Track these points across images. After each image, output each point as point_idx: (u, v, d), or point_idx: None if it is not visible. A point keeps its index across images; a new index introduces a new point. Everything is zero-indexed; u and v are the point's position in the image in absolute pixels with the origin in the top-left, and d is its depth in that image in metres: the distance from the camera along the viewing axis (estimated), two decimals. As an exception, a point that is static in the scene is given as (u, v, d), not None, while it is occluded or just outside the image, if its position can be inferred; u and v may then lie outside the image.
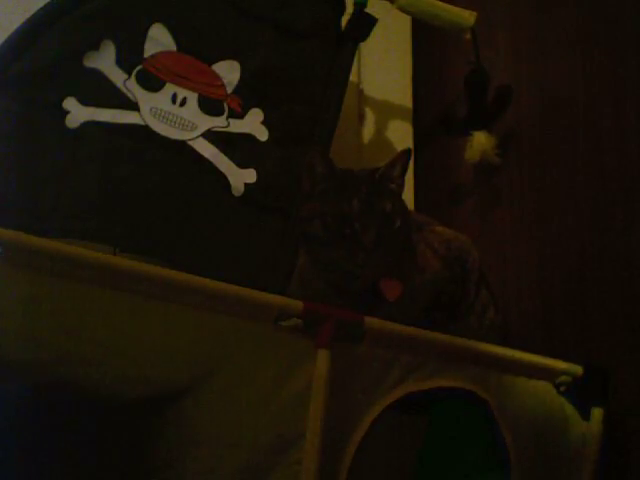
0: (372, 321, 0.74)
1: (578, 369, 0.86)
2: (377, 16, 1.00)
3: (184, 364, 0.67)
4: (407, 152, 0.89)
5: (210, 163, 0.89)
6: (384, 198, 0.83)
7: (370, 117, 1.31)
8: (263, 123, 0.92)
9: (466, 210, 1.28)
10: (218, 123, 0.90)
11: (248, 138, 0.91)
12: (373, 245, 0.80)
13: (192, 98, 0.89)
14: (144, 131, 0.87)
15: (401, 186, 0.89)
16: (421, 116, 1.34)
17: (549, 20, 1.12)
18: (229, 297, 0.68)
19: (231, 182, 0.89)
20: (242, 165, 0.90)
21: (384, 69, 1.32)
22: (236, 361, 0.68)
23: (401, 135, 1.31)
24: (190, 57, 0.90)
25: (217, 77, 0.91)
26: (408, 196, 1.19)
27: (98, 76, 0.86)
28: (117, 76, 0.87)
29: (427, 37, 1.36)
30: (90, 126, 0.85)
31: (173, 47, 0.90)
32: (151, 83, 0.88)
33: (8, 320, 0.61)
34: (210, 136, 0.89)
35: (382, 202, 0.83)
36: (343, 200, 0.82)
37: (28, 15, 0.84)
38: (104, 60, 0.87)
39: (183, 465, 0.67)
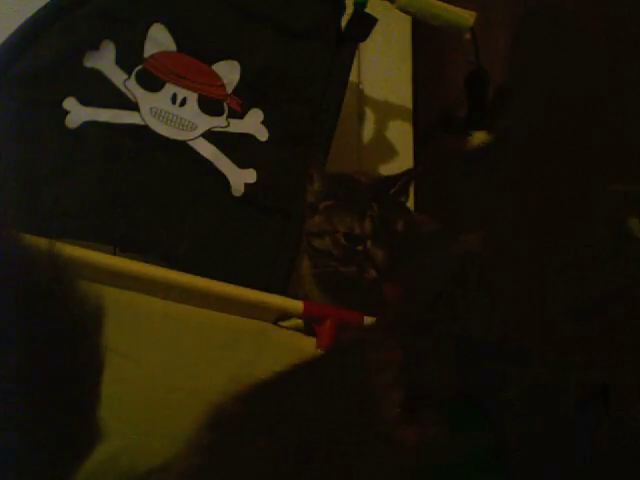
0: (372, 320, 0.75)
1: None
2: (377, 16, 1.00)
3: (184, 364, 0.67)
4: (414, 171, 0.91)
5: (210, 163, 0.89)
6: (396, 216, 0.84)
7: (370, 117, 1.31)
8: (263, 123, 0.92)
9: (466, 210, 1.29)
10: (218, 123, 0.90)
11: (248, 138, 0.91)
12: (384, 265, 0.81)
13: (192, 98, 0.89)
14: (144, 131, 0.87)
15: (407, 197, 0.90)
16: (421, 116, 1.34)
17: (549, 20, 1.12)
18: (229, 298, 0.69)
19: (231, 182, 0.89)
20: (242, 165, 0.90)
21: (384, 69, 1.32)
22: (236, 361, 0.68)
23: (401, 135, 1.31)
24: (190, 57, 0.90)
25: (217, 77, 0.91)
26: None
27: (98, 76, 0.86)
28: (117, 76, 0.87)
29: (427, 37, 1.36)
30: (90, 126, 0.85)
31: (173, 47, 0.90)
32: (151, 83, 0.88)
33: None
34: (210, 136, 0.89)
35: (394, 221, 0.83)
36: (355, 219, 0.82)
37: (28, 15, 0.84)
38: (104, 60, 0.87)
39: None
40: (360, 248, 0.82)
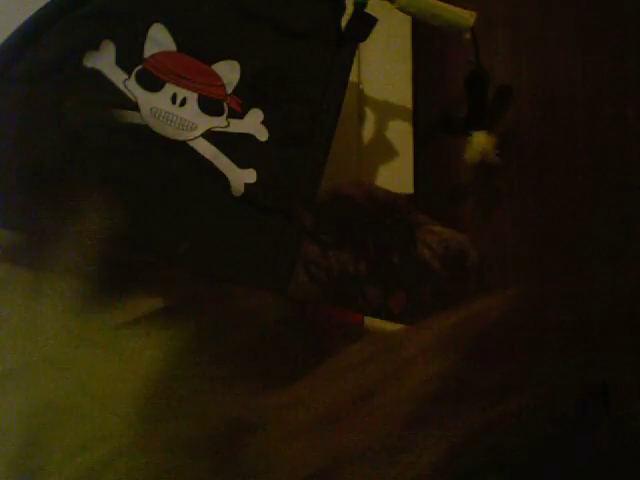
0: (372, 321, 0.75)
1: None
2: (377, 16, 1.00)
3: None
4: (411, 198, 0.89)
5: (210, 163, 0.89)
6: (393, 250, 0.83)
7: (370, 117, 1.30)
8: (263, 123, 0.92)
9: (466, 210, 1.29)
10: (218, 123, 0.90)
11: (248, 138, 0.91)
12: (380, 299, 0.80)
13: (192, 98, 0.89)
14: (144, 131, 0.87)
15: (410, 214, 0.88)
16: (421, 116, 1.34)
17: (549, 20, 1.12)
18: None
19: (231, 182, 0.89)
20: (242, 165, 0.90)
21: (384, 69, 1.32)
22: (236, 361, 0.68)
23: (401, 135, 1.31)
24: (190, 57, 0.90)
25: (217, 77, 0.91)
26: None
27: (98, 76, 0.86)
28: (117, 76, 0.87)
29: (427, 37, 1.36)
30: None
31: (173, 47, 0.90)
32: (151, 83, 0.88)
33: (8, 321, 0.61)
34: (210, 136, 0.89)
35: (391, 255, 0.82)
36: (350, 260, 0.81)
37: (28, 15, 0.84)
38: (104, 60, 0.87)
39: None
40: (355, 288, 0.81)
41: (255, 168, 0.91)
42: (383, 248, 0.81)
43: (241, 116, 0.92)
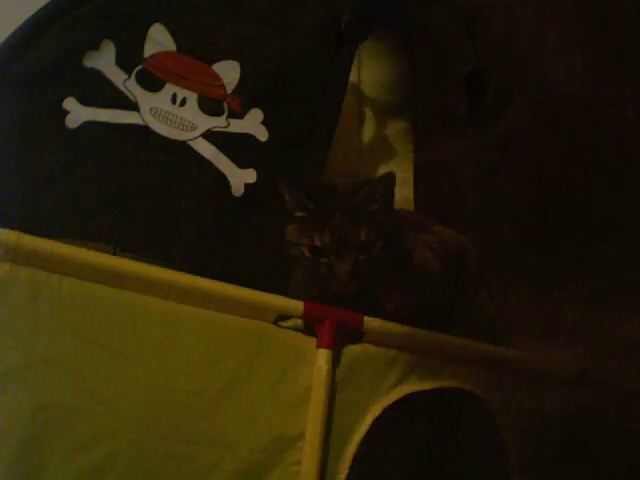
0: (372, 321, 0.75)
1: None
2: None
3: (184, 364, 0.67)
4: (389, 177, 0.85)
5: (210, 163, 0.89)
6: (359, 225, 0.80)
7: (370, 117, 1.31)
8: (263, 123, 0.92)
9: (466, 210, 1.28)
10: (218, 123, 0.90)
11: (248, 138, 0.91)
12: (349, 276, 0.78)
13: (192, 98, 0.89)
14: (144, 131, 0.87)
15: (388, 203, 0.85)
16: (421, 116, 1.34)
17: (549, 20, 1.12)
18: (229, 298, 0.69)
19: (231, 182, 0.89)
20: (242, 165, 0.90)
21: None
22: (236, 361, 0.68)
23: (401, 135, 1.31)
24: (190, 57, 0.90)
25: (217, 77, 0.91)
26: (408, 196, 1.19)
27: (98, 76, 0.86)
28: (117, 76, 0.87)
29: (427, 37, 1.36)
30: (90, 126, 0.85)
31: (173, 47, 0.90)
32: (151, 83, 0.88)
33: (8, 321, 0.61)
34: (210, 136, 0.89)
35: (357, 231, 0.79)
36: (316, 231, 0.80)
37: (28, 15, 0.84)
38: (104, 60, 0.87)
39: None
40: (324, 260, 0.80)
41: (255, 168, 0.91)
42: (349, 222, 0.79)
43: (241, 116, 0.92)
